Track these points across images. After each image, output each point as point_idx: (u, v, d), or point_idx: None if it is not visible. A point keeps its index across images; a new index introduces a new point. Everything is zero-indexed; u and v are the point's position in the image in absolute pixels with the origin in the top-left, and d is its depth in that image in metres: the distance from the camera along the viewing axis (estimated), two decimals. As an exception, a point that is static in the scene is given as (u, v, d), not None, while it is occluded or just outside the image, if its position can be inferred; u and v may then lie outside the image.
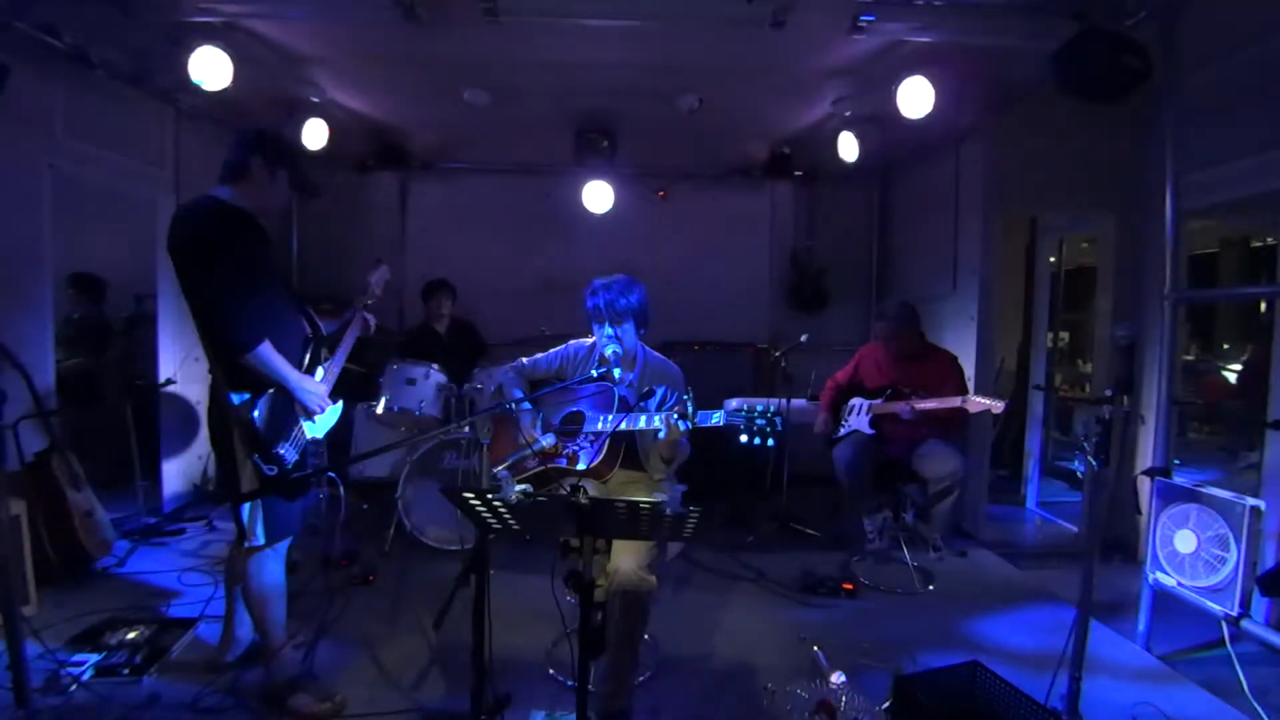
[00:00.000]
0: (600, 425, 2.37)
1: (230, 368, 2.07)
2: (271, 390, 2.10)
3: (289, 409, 2.17)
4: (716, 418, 2.15)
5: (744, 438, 2.03)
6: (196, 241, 2.04)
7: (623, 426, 2.32)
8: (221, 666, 2.38)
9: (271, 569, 2.22)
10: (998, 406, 3.06)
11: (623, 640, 2.11)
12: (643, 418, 2.28)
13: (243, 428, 2.06)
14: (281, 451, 2.10)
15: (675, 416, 2.16)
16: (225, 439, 2.11)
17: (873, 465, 3.43)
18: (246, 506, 2.12)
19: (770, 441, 2.00)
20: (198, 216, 2.08)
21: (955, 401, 3.18)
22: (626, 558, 2.11)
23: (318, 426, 2.31)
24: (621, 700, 2.12)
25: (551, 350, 2.67)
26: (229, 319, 2.01)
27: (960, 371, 3.55)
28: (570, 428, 2.44)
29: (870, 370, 3.68)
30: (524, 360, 2.68)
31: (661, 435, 2.22)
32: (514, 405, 2.46)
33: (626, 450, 2.43)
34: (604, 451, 2.34)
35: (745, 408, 2.07)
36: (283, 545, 2.25)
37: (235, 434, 2.08)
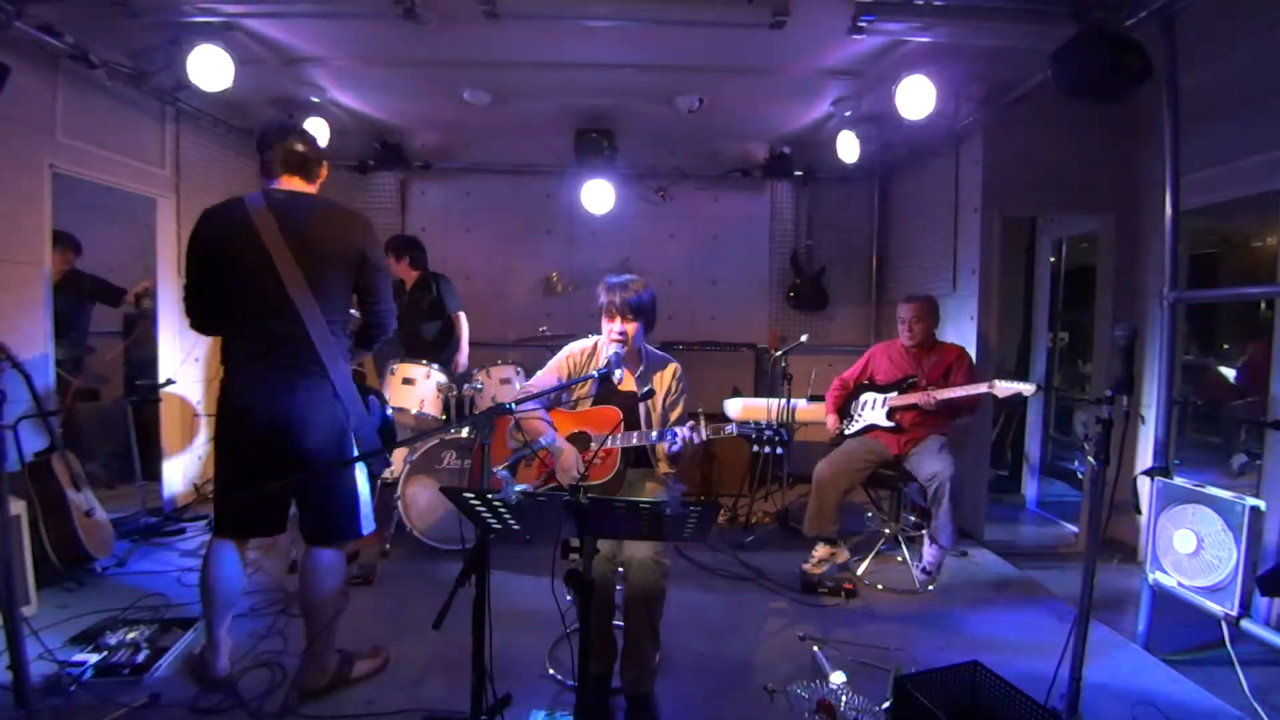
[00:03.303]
0: (611, 443, 2.39)
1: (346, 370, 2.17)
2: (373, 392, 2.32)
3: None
4: (730, 429, 2.31)
5: (755, 447, 2.25)
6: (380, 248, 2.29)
7: (634, 443, 2.38)
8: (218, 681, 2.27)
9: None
10: (1029, 389, 3.01)
11: (644, 626, 2.15)
12: (654, 433, 2.38)
13: (384, 428, 2.25)
14: None
15: (689, 431, 2.29)
16: (330, 440, 2.15)
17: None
18: (367, 500, 2.27)
19: (780, 450, 2.24)
20: (362, 223, 2.24)
21: (981, 388, 3.13)
22: (640, 545, 2.13)
23: None
24: (646, 684, 2.18)
25: (547, 368, 2.59)
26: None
27: (969, 359, 3.54)
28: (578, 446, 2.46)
29: (884, 365, 3.65)
30: (528, 382, 2.62)
31: (674, 450, 2.31)
32: (513, 407, 2.45)
33: (636, 451, 2.47)
34: (612, 472, 2.39)
35: (753, 422, 2.30)
36: None
37: (352, 435, 2.19)
